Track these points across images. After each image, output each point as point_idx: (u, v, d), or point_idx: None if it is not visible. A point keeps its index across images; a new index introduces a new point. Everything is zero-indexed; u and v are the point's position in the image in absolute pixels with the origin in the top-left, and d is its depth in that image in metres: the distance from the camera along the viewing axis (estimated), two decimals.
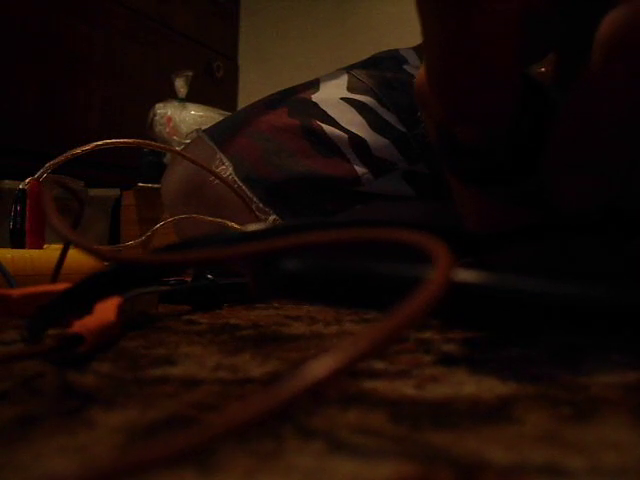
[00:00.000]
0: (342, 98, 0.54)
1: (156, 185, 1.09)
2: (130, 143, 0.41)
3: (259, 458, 0.11)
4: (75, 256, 0.32)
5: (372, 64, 0.56)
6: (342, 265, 0.15)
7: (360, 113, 0.53)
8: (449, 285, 0.11)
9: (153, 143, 0.49)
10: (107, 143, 0.41)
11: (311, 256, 0.15)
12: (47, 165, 0.39)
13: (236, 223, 0.45)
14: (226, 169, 0.52)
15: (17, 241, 0.41)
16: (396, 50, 0.57)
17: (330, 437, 0.12)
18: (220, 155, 0.53)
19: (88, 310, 0.20)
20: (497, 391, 0.15)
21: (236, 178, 0.52)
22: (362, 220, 0.18)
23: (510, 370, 0.17)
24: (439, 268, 0.11)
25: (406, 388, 0.15)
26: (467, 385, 0.15)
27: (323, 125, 0.52)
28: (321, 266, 0.15)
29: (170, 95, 1.31)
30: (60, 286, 0.23)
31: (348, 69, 0.57)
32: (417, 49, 0.56)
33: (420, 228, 0.15)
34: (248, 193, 0.51)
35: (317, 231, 0.15)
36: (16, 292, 0.23)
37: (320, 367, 0.09)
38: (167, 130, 1.22)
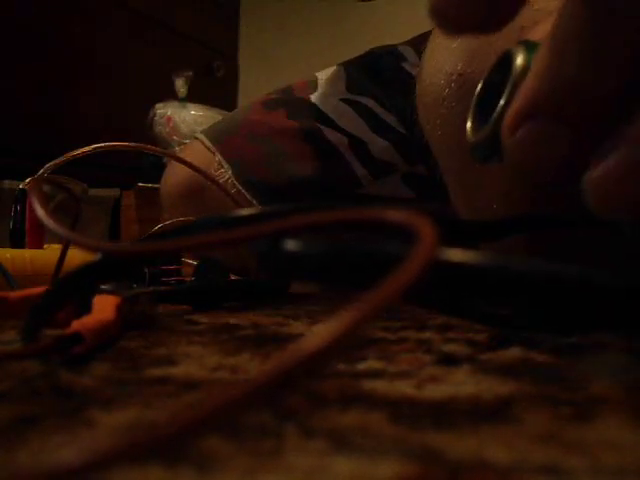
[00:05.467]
0: (342, 99, 0.54)
1: (156, 185, 1.09)
2: (130, 147, 0.41)
3: (259, 458, 0.11)
4: (75, 256, 0.32)
5: (370, 61, 0.56)
6: (341, 246, 0.15)
7: (360, 115, 0.53)
8: (434, 257, 0.11)
9: (153, 148, 0.49)
10: (107, 146, 0.41)
11: (308, 237, 0.15)
12: (47, 165, 0.39)
13: None
14: (225, 172, 0.52)
15: (17, 241, 0.41)
16: (394, 46, 0.57)
17: (330, 437, 0.12)
18: (219, 158, 0.53)
19: (81, 303, 0.19)
20: (497, 391, 0.15)
21: (235, 182, 0.52)
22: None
23: (510, 370, 0.17)
24: (424, 243, 0.11)
25: (406, 388, 0.15)
26: (467, 385, 0.15)
27: (322, 127, 0.52)
28: (320, 246, 0.15)
29: (170, 95, 1.30)
30: None
31: (346, 65, 0.57)
32: (414, 45, 0.56)
33: (412, 208, 0.15)
34: (247, 196, 0.51)
35: (305, 213, 0.15)
36: (14, 294, 0.23)
37: (313, 340, 0.09)
38: (167, 130, 1.21)
